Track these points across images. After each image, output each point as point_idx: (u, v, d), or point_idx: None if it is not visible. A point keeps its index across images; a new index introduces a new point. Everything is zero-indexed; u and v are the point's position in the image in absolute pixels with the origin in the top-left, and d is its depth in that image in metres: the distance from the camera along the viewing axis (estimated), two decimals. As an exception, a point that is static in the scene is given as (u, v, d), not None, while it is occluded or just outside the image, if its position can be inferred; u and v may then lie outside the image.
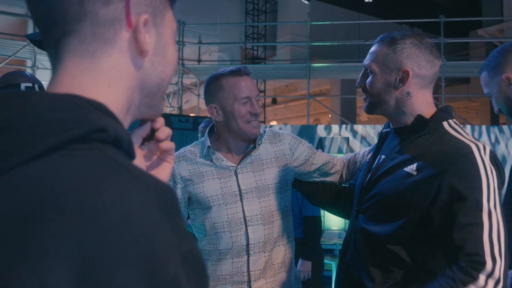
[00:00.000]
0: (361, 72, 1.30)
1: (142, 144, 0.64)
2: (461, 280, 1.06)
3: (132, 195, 0.37)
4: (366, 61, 1.27)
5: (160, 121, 0.63)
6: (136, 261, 0.34)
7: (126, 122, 0.51)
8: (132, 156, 0.47)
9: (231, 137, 1.55)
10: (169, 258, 0.36)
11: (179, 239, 0.38)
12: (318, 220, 2.81)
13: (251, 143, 1.59)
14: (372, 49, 1.27)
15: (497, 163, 1.14)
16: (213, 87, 1.53)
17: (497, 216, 1.08)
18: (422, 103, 1.24)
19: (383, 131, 1.37)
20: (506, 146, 7.00)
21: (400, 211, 1.18)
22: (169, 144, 0.65)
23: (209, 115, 1.55)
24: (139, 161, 0.64)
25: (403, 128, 1.26)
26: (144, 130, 0.63)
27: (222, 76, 1.51)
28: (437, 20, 7.71)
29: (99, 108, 0.44)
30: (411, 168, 1.17)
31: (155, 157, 0.66)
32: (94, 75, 0.48)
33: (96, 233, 0.34)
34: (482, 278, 1.06)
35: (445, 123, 1.20)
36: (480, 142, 1.16)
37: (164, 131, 0.63)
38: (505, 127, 7.17)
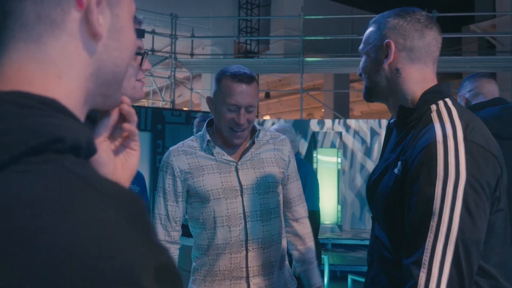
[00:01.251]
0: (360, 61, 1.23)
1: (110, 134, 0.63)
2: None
3: (98, 213, 0.35)
4: (360, 47, 1.21)
5: (127, 102, 0.59)
6: (108, 280, 0.33)
7: (82, 115, 0.47)
8: (92, 153, 0.43)
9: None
10: (143, 275, 0.34)
11: (152, 253, 0.36)
12: (317, 214, 2.81)
13: (248, 138, 1.59)
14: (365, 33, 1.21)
15: (477, 151, 0.96)
16: (216, 80, 1.54)
17: (453, 216, 0.92)
18: (415, 81, 1.09)
19: (390, 121, 1.25)
20: (497, 141, 7.05)
21: (395, 217, 1.06)
22: (131, 127, 0.62)
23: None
24: (106, 154, 0.61)
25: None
26: (112, 119, 0.60)
27: (224, 75, 1.50)
28: (430, 15, 7.71)
29: (52, 106, 0.40)
30: (398, 168, 1.05)
31: (118, 142, 0.64)
32: (42, 64, 0.42)
33: (66, 257, 0.32)
34: None
35: (433, 107, 1.05)
36: (457, 124, 0.99)
37: (133, 114, 0.61)
38: (496, 122, 7.22)
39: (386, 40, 1.09)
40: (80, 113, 0.46)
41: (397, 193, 1.03)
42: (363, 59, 1.18)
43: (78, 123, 0.42)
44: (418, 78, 1.10)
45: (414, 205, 0.96)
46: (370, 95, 1.19)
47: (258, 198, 1.54)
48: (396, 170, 1.05)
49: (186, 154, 1.55)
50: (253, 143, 1.58)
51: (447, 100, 1.06)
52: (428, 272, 0.92)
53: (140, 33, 1.05)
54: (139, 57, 1.05)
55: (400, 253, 1.01)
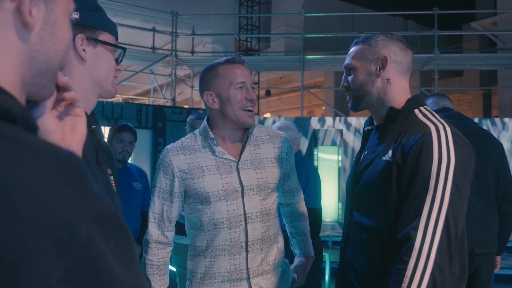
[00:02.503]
0: (343, 75, 1.41)
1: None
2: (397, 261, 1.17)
3: (28, 167, 0.37)
4: (346, 62, 1.39)
5: (60, 75, 0.64)
6: (42, 231, 0.34)
7: (21, 101, 0.49)
8: (32, 127, 0.46)
9: (226, 125, 1.54)
10: (78, 222, 0.36)
11: (87, 202, 0.38)
12: (319, 212, 2.80)
13: (244, 135, 1.57)
14: (349, 51, 1.40)
15: (460, 141, 1.21)
16: (208, 75, 1.54)
17: (445, 192, 1.14)
18: (400, 91, 1.34)
19: (365, 129, 1.46)
20: (498, 138, 7.04)
21: (382, 198, 1.25)
22: (71, 94, 0.68)
23: (203, 107, 1.55)
24: (51, 122, 0.67)
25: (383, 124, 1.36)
26: (52, 97, 0.65)
27: (217, 65, 1.54)
28: (431, 12, 7.71)
29: None
30: (388, 155, 1.26)
31: (61, 111, 0.69)
32: None
33: None
34: (409, 259, 1.13)
35: (416, 111, 1.30)
36: (443, 122, 1.24)
37: (70, 84, 0.66)
38: (497, 120, 7.20)
39: (383, 55, 1.32)
40: (19, 98, 0.48)
41: (386, 176, 1.24)
42: (351, 76, 1.37)
43: (11, 97, 0.44)
44: (401, 88, 1.35)
45: (413, 182, 1.18)
46: (357, 105, 1.39)
47: (259, 199, 1.52)
48: (385, 157, 1.26)
49: (185, 153, 1.53)
50: (248, 138, 1.57)
51: (426, 107, 1.32)
52: (423, 235, 1.13)
53: (113, 30, 1.10)
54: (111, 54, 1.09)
55: (380, 230, 1.26)
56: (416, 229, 1.14)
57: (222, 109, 1.52)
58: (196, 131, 1.60)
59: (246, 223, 1.50)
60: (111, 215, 0.40)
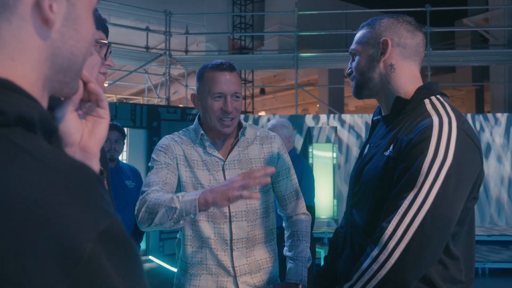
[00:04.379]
0: (349, 61, 1.31)
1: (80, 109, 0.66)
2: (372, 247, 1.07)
3: (35, 181, 0.35)
4: (351, 47, 1.29)
5: (88, 79, 0.62)
6: (45, 248, 0.33)
7: (43, 99, 0.47)
8: (52, 129, 0.45)
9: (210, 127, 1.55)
10: (82, 238, 0.35)
11: (94, 218, 0.37)
12: (312, 210, 2.83)
13: (234, 135, 1.57)
14: (356, 36, 1.30)
15: (466, 140, 1.06)
16: (198, 76, 1.54)
17: (431, 191, 1.01)
18: (407, 77, 1.20)
19: (374, 118, 1.34)
20: (491, 133, 7.09)
21: (381, 198, 1.13)
22: (98, 90, 0.65)
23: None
24: (73, 124, 0.64)
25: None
26: (77, 95, 0.62)
27: (205, 68, 1.52)
28: (423, 9, 7.74)
29: (4, 85, 0.41)
30: (390, 150, 1.14)
31: (86, 112, 0.66)
32: None
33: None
34: (375, 250, 1.05)
35: (426, 101, 1.16)
36: (451, 115, 1.09)
37: (101, 92, 0.64)
38: (489, 115, 7.25)
39: (383, 38, 1.19)
40: (40, 97, 0.46)
41: (387, 172, 1.12)
42: (356, 59, 1.26)
43: (31, 100, 0.43)
44: (409, 74, 1.21)
45: (402, 177, 1.06)
46: (360, 91, 1.27)
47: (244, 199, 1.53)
48: (387, 152, 1.14)
49: (181, 144, 1.55)
50: (239, 140, 1.56)
51: (438, 96, 1.17)
52: (392, 232, 1.02)
53: (98, 24, 1.06)
54: (103, 51, 1.05)
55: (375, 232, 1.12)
56: (389, 223, 1.04)
57: (203, 113, 1.53)
58: (190, 127, 1.62)
59: (230, 221, 1.51)
60: (119, 233, 0.38)
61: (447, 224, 1.03)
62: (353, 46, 1.28)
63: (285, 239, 1.69)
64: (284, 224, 1.72)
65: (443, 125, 1.06)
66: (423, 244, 1.01)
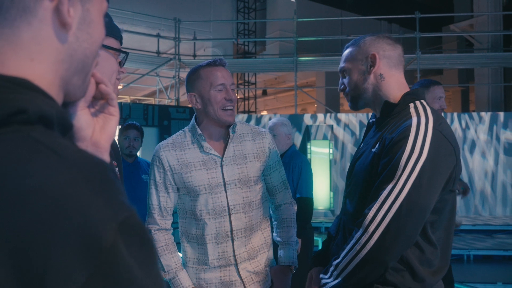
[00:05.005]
0: (340, 79, 1.36)
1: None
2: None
3: (57, 176, 0.35)
4: (340, 65, 1.33)
5: (104, 81, 0.61)
6: (69, 238, 0.32)
7: (59, 98, 0.47)
8: (68, 126, 0.44)
9: (210, 123, 1.54)
10: (104, 229, 0.34)
11: (114, 210, 0.36)
12: (310, 201, 2.82)
13: (228, 132, 1.57)
14: (342, 55, 1.34)
15: (440, 139, 1.10)
16: (192, 77, 1.54)
17: (407, 183, 1.06)
18: (395, 84, 1.26)
19: (370, 120, 1.38)
20: (476, 131, 7.07)
21: (366, 189, 1.19)
22: (107, 89, 0.63)
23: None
24: (85, 120, 0.63)
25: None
26: (89, 93, 0.62)
27: (200, 68, 1.53)
28: (413, 16, 7.70)
29: (23, 85, 0.40)
30: (376, 147, 1.19)
31: (97, 109, 0.65)
32: (15, 47, 0.42)
33: (24, 219, 0.32)
34: (355, 235, 1.10)
35: (411, 105, 1.21)
36: (430, 117, 1.13)
37: (111, 92, 0.63)
38: (474, 114, 7.23)
39: (371, 53, 1.26)
40: (57, 96, 0.46)
41: (373, 166, 1.18)
42: (347, 77, 1.31)
43: (49, 99, 0.42)
44: (396, 81, 1.27)
45: (383, 171, 1.12)
46: (356, 103, 1.32)
47: (241, 192, 1.53)
48: (374, 149, 1.20)
49: (175, 149, 1.54)
50: (230, 136, 1.56)
51: (422, 101, 1.23)
52: (373, 217, 1.08)
53: (117, 34, 1.06)
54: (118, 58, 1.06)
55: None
56: (370, 209, 1.09)
57: (205, 109, 1.52)
58: (186, 128, 1.60)
59: (229, 214, 1.51)
60: (136, 223, 0.37)
61: (421, 212, 1.07)
62: (342, 65, 1.33)
63: (275, 226, 1.71)
64: (271, 212, 1.74)
65: (420, 125, 1.11)
66: (399, 228, 1.06)
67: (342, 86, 1.34)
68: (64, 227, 0.33)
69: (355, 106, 1.33)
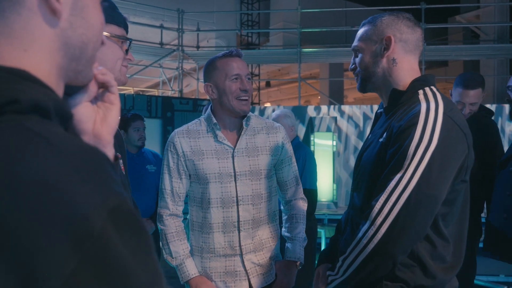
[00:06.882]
0: (352, 58, 1.28)
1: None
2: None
3: (46, 162, 0.35)
4: (353, 44, 1.26)
5: (102, 71, 0.60)
6: (56, 224, 0.33)
7: (59, 88, 0.46)
8: (66, 117, 0.44)
9: (224, 113, 1.56)
10: (92, 215, 0.34)
11: (103, 197, 0.36)
12: (314, 193, 2.82)
13: (242, 124, 1.58)
14: (357, 33, 1.26)
15: (451, 126, 1.04)
16: (209, 68, 1.56)
17: (416, 173, 1.00)
18: (407, 70, 1.18)
19: (377, 111, 1.32)
20: (480, 123, 7.02)
21: (374, 180, 1.12)
22: (106, 76, 0.61)
23: (208, 98, 1.55)
24: (86, 113, 0.62)
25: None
26: (92, 88, 0.60)
27: (216, 58, 1.56)
28: (419, 7, 7.63)
29: (18, 75, 0.40)
30: (384, 137, 1.13)
31: (98, 102, 0.64)
32: (8, 38, 0.42)
33: (12, 204, 0.32)
34: (362, 227, 1.06)
35: (420, 91, 1.13)
36: (440, 102, 1.07)
37: (111, 79, 0.62)
38: (479, 106, 7.17)
39: (387, 35, 1.17)
40: (56, 85, 0.45)
41: (380, 157, 1.11)
42: (359, 56, 1.23)
43: (46, 89, 0.42)
44: (409, 67, 1.18)
45: (391, 160, 1.06)
46: (365, 86, 1.24)
47: (250, 183, 1.54)
48: (381, 139, 1.13)
49: (190, 137, 1.56)
50: (243, 128, 1.57)
51: (432, 87, 1.15)
52: (380, 209, 1.03)
53: (120, 22, 1.05)
54: (125, 46, 1.05)
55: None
56: (377, 201, 1.04)
57: (220, 99, 1.54)
58: (202, 117, 1.63)
59: (237, 205, 1.53)
60: (128, 211, 0.37)
61: (431, 203, 1.02)
62: (355, 43, 1.24)
63: (284, 221, 1.71)
64: (282, 207, 1.73)
65: (429, 111, 1.04)
66: (408, 220, 1.01)
67: (353, 65, 1.26)
68: (51, 213, 0.33)
69: (363, 89, 1.26)
